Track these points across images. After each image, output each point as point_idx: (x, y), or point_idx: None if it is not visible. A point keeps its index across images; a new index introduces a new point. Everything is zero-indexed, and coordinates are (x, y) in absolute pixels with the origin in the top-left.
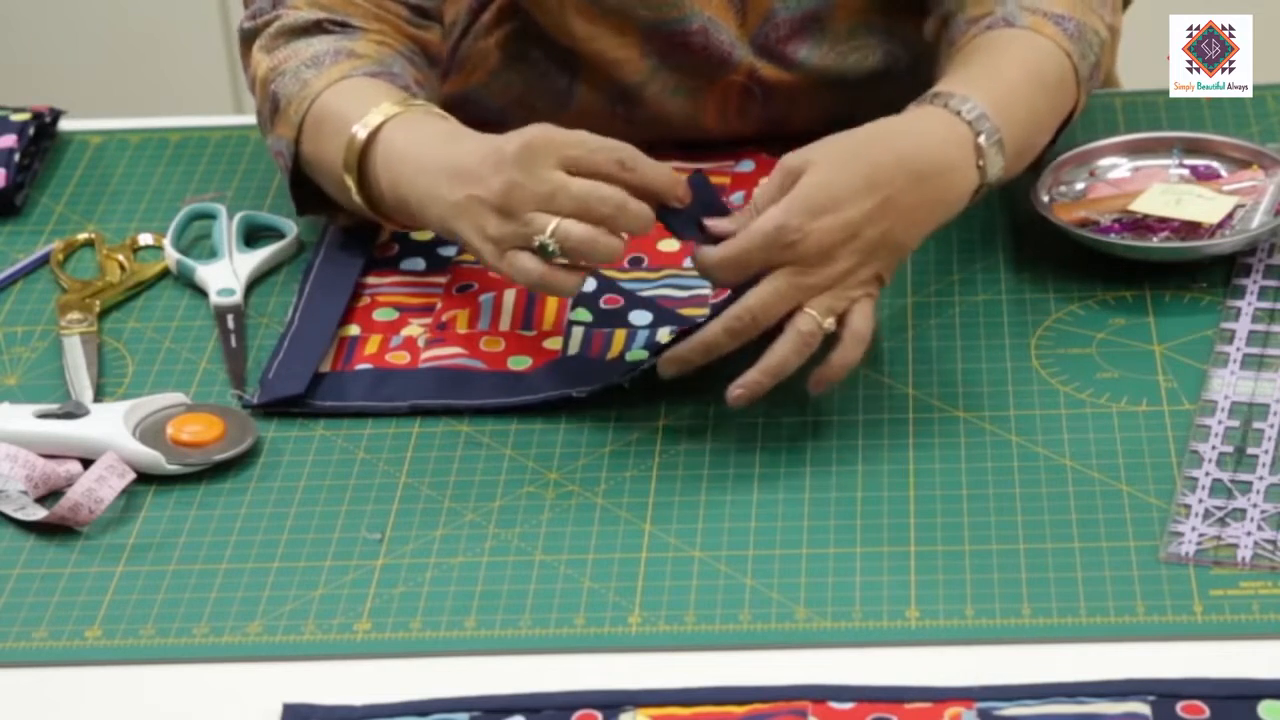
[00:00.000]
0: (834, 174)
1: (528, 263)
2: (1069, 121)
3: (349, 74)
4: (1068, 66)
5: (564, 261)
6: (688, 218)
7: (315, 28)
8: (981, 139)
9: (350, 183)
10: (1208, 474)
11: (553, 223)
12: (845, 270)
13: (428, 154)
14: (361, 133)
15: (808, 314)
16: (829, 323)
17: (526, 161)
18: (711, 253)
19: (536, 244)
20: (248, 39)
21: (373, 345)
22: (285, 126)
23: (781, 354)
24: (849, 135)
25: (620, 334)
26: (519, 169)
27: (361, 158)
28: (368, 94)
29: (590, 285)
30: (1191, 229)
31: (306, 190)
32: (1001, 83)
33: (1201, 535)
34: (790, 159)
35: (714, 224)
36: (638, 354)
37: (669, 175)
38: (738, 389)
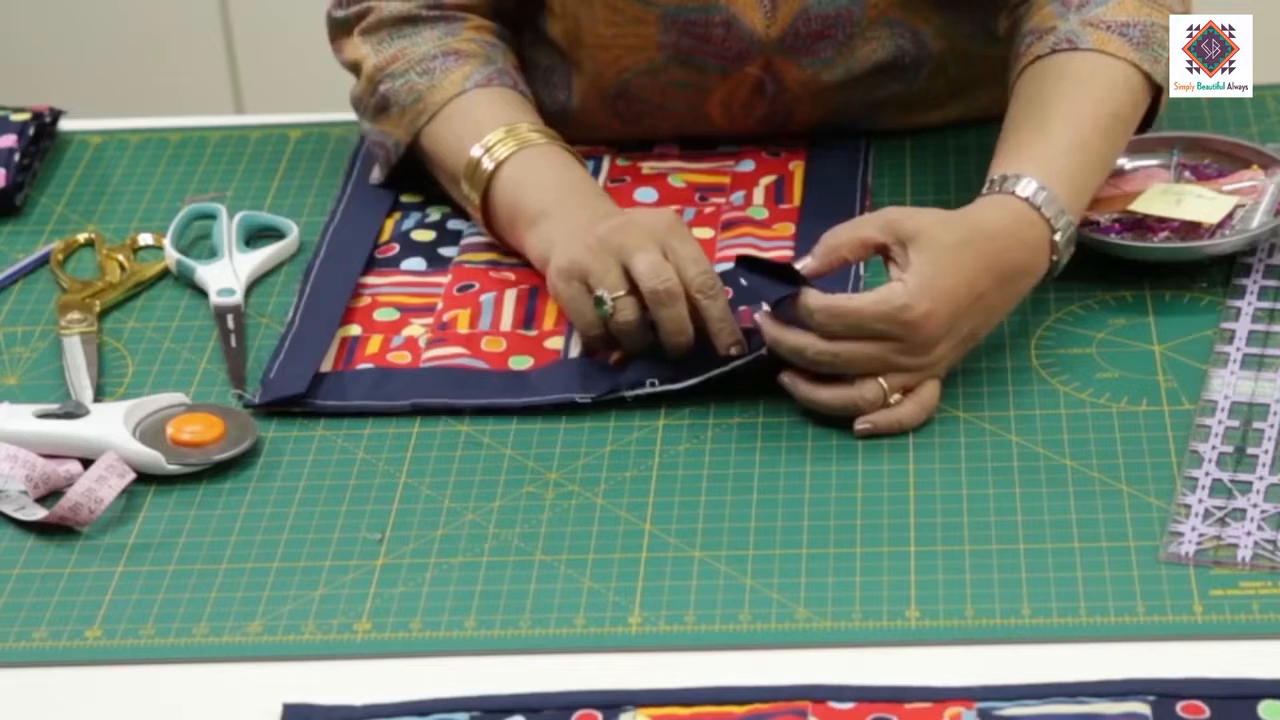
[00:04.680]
0: (944, 261)
1: (579, 296)
2: (1154, 114)
3: (463, 87)
4: (1138, 82)
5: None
6: (760, 290)
7: (415, 20)
8: (1057, 236)
9: (475, 198)
10: (1208, 474)
11: (621, 289)
12: (936, 359)
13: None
14: (488, 163)
15: (877, 385)
16: (895, 398)
17: (642, 221)
18: (823, 300)
19: (597, 293)
20: (340, 26)
21: (374, 345)
22: (393, 127)
23: (825, 398)
24: (947, 225)
25: None
26: (632, 220)
27: (488, 183)
28: (483, 118)
29: None
30: (1191, 229)
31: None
32: (1074, 143)
33: (1201, 535)
34: (898, 221)
35: (801, 265)
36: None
37: (732, 330)
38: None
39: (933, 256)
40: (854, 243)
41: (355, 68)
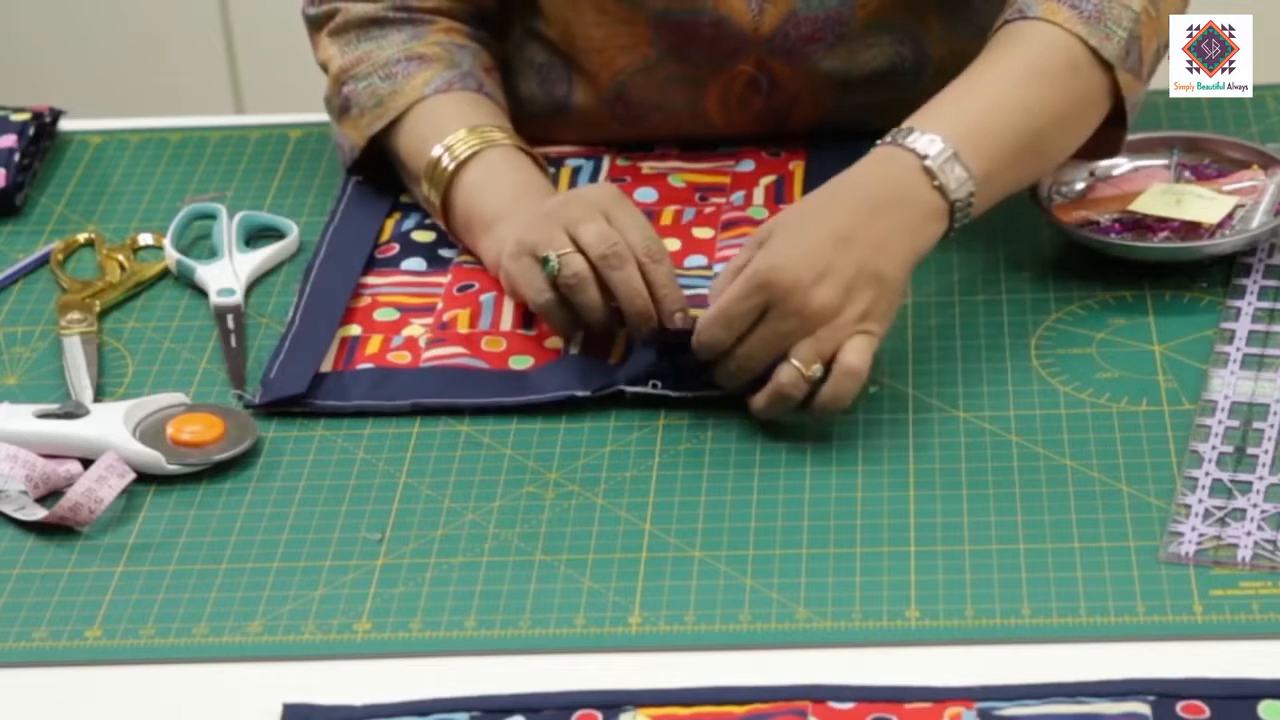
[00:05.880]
0: (797, 227)
1: (529, 269)
2: (1121, 105)
3: (423, 93)
4: (1080, 51)
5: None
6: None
7: (382, 22)
8: (929, 162)
9: (435, 199)
10: (1208, 474)
11: (567, 248)
12: (825, 309)
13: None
14: (449, 163)
15: (789, 365)
16: (815, 369)
17: (584, 195)
18: (698, 324)
19: (542, 254)
20: (312, 24)
21: (374, 345)
22: (351, 129)
23: (759, 405)
24: (808, 197)
25: (622, 334)
26: (574, 195)
27: (447, 185)
28: (445, 120)
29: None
30: (1191, 229)
31: (361, 164)
32: (979, 93)
33: (1201, 535)
34: (759, 231)
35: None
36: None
37: (677, 295)
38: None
39: (784, 227)
40: (730, 274)
41: (325, 68)
